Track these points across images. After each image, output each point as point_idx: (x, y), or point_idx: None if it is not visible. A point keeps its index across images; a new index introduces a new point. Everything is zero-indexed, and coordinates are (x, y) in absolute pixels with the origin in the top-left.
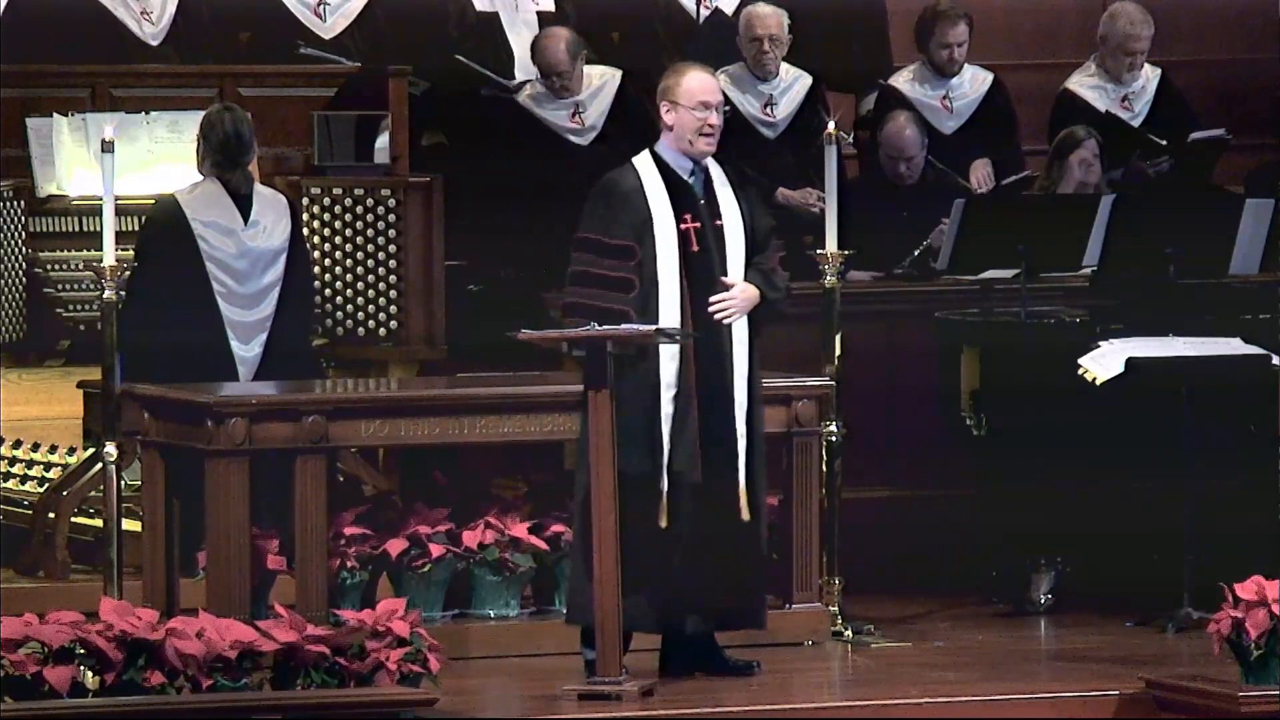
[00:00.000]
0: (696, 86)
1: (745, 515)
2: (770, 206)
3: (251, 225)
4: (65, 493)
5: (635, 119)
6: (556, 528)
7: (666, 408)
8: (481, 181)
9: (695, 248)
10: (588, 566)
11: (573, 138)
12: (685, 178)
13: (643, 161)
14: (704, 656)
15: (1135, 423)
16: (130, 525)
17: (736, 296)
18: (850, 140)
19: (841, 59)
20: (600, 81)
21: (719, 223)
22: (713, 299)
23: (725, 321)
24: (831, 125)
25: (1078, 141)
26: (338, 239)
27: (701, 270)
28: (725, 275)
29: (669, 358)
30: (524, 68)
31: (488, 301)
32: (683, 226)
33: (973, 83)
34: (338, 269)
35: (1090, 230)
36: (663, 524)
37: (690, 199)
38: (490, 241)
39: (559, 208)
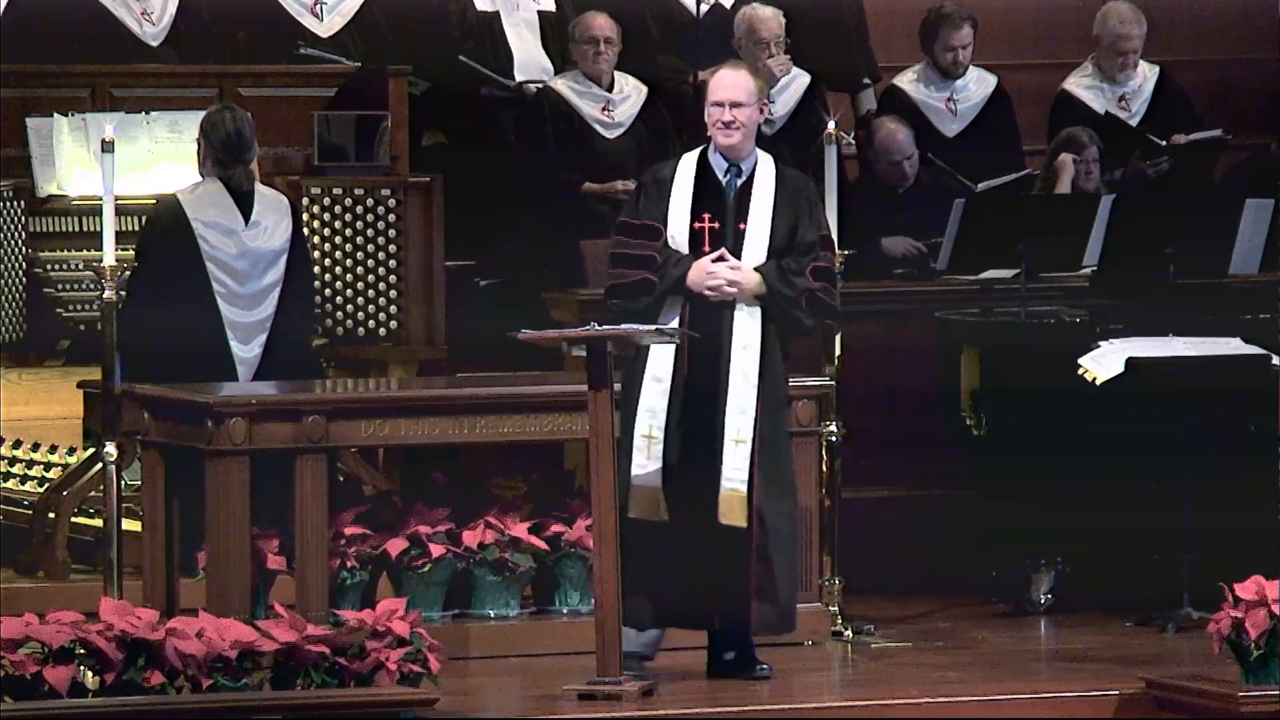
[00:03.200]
0: (713, 83)
1: (724, 519)
2: None
3: (252, 226)
4: (65, 493)
5: (660, 130)
6: (556, 528)
7: (651, 401)
8: (482, 181)
9: (706, 248)
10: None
11: (601, 130)
12: (720, 176)
13: (688, 157)
14: (729, 654)
15: (1135, 422)
16: (130, 525)
17: (729, 274)
18: (850, 140)
19: (827, 59)
20: (630, 90)
21: (741, 226)
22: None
23: (711, 296)
24: (832, 125)
25: (1078, 146)
26: (338, 239)
27: None
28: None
29: (662, 352)
30: (524, 68)
31: (489, 301)
32: (697, 225)
33: (977, 85)
34: (338, 269)
35: (1090, 230)
36: (662, 518)
37: (717, 199)
38: (490, 241)
39: (562, 207)
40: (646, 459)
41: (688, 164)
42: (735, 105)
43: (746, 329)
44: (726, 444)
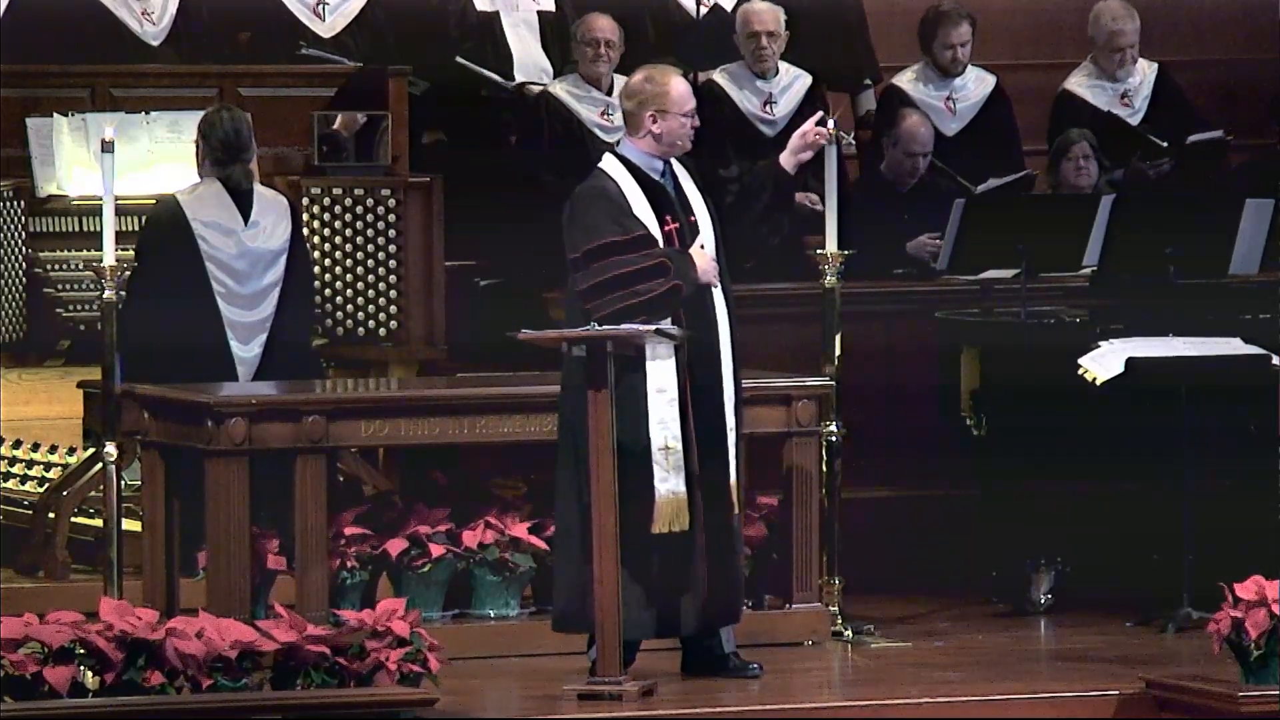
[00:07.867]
0: (685, 93)
1: (737, 510)
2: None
3: (252, 226)
4: (65, 493)
5: None
6: None
7: (660, 413)
8: (482, 181)
9: (677, 248)
10: (585, 570)
11: (602, 134)
12: (657, 179)
13: (612, 166)
14: (710, 657)
15: (1135, 423)
16: (130, 525)
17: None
18: (850, 140)
19: (828, 59)
20: None
21: (692, 219)
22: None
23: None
24: (832, 125)
25: (1070, 143)
26: (338, 239)
27: None
28: None
29: (662, 363)
30: (523, 68)
31: (489, 301)
32: (666, 228)
33: (976, 84)
34: (338, 269)
35: (1090, 230)
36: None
37: (666, 200)
38: (490, 241)
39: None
40: (668, 471)
41: (621, 174)
42: (696, 112)
43: (725, 324)
44: (729, 437)
